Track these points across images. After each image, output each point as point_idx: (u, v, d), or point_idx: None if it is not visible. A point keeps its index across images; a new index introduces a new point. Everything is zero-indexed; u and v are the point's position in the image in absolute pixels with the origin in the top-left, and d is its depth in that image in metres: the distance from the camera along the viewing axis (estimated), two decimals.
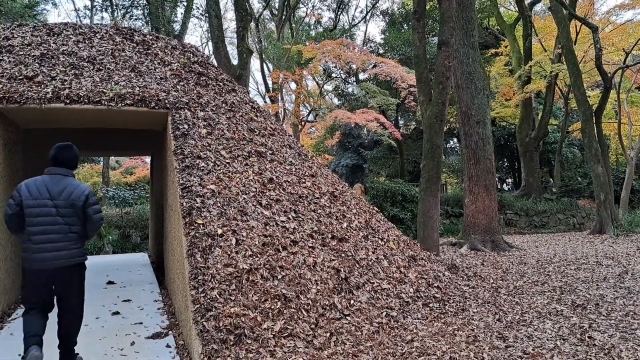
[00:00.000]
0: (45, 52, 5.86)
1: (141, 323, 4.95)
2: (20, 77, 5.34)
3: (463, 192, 12.23)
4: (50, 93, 5.15)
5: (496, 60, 21.53)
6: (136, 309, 5.50)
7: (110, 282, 6.97)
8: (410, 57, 20.27)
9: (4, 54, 5.72)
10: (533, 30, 19.61)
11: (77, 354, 3.83)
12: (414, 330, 4.40)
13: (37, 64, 5.64)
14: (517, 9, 20.40)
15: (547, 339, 4.19)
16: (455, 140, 27.11)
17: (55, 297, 3.60)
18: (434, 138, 8.38)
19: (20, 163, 6.07)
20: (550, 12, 16.80)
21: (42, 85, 5.27)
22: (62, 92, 5.21)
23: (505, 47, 20.80)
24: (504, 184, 29.77)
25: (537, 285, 6.52)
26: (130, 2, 21.24)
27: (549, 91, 18.98)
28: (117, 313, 5.32)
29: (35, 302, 3.50)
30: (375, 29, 50.28)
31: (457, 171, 25.96)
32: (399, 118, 25.11)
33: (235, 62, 14.57)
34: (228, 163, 5.46)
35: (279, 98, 23.24)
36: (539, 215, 17.30)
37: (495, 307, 5.28)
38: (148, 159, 19.75)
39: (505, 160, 26.86)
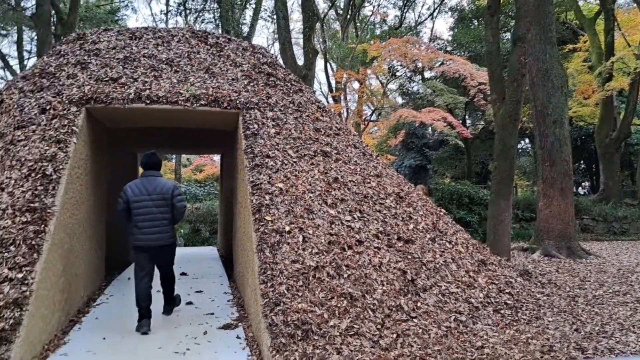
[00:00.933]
0: (128, 55, 6.26)
1: (213, 314, 5.18)
2: (106, 79, 5.74)
3: (536, 196, 11.74)
4: (133, 94, 5.50)
5: (574, 57, 20.42)
6: (207, 300, 5.76)
7: (183, 274, 7.32)
8: (480, 54, 19.67)
9: (92, 57, 6.17)
10: (615, 24, 18.43)
11: (177, 295, 5.38)
12: (484, 337, 4.30)
13: (120, 67, 6.04)
14: (597, 2, 19.26)
15: (631, 353, 3.97)
16: (526, 140, 25.99)
17: (156, 266, 4.93)
18: (507, 138, 8.12)
19: (105, 160, 6.52)
20: (635, 5, 15.73)
21: (125, 87, 5.64)
22: (143, 93, 5.55)
23: (585, 42, 19.68)
24: (580, 188, 28.18)
25: (618, 296, 6.16)
26: (202, 6, 22.13)
27: (632, 89, 17.76)
28: (190, 303, 5.60)
29: (142, 269, 4.77)
30: (443, 25, 49.18)
31: (529, 173, 24.90)
32: (467, 117, 24.44)
33: (300, 62, 14.81)
34: (295, 162, 5.58)
35: (342, 98, 23.33)
36: (618, 222, 16.25)
37: (573, 317, 5.06)
38: (216, 157, 20.49)
39: (582, 162, 25.44)
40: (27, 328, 3.44)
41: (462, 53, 22.04)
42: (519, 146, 26.45)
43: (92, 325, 4.72)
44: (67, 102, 5.32)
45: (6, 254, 3.81)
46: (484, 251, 6.33)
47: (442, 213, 6.58)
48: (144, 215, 4.70)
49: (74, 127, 5.07)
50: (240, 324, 4.82)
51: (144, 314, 4.63)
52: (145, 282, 4.73)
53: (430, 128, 22.18)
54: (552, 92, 10.83)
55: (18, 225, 4.05)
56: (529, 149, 25.89)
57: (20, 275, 3.68)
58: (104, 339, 4.31)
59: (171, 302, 5.23)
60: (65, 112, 5.20)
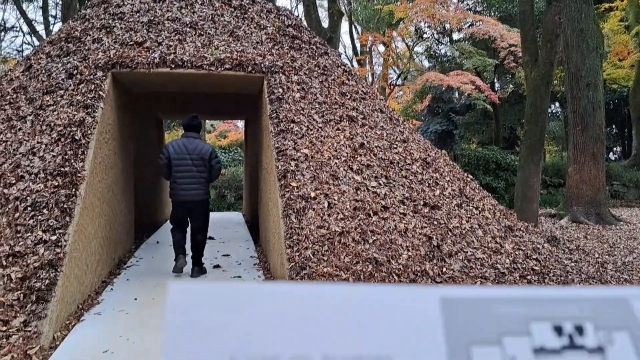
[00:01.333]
0: (152, 18, 6.20)
1: (240, 277, 5.28)
2: (131, 43, 5.72)
3: (566, 161, 11.45)
4: (158, 58, 5.48)
5: (610, 16, 19.48)
6: (234, 264, 5.86)
7: (210, 238, 7.45)
8: (512, 15, 18.93)
9: (116, 21, 6.14)
10: None
11: (204, 264, 5.46)
12: None
13: (145, 30, 5.99)
14: None
15: None
16: (556, 104, 25.21)
17: (189, 220, 5.36)
18: (539, 102, 7.87)
19: (132, 126, 6.58)
20: None
21: (150, 51, 5.62)
22: (167, 57, 5.52)
23: (622, 0, 18.71)
24: (611, 153, 27.40)
25: None
26: None
27: None
28: (217, 266, 5.71)
29: (178, 221, 5.32)
30: None
31: (558, 138, 24.30)
32: (496, 81, 23.77)
33: (325, 25, 14.49)
34: (320, 127, 5.52)
35: (367, 61, 22.89)
36: None
37: (601, 283, 4.98)
38: (240, 124, 20.50)
39: (614, 126, 24.63)
40: (62, 288, 3.56)
41: (493, 13, 21.25)
42: (549, 110, 25.71)
43: (124, 286, 4.87)
44: (93, 66, 5.33)
45: (40, 217, 3.91)
46: (511, 217, 6.24)
47: (469, 179, 6.48)
48: (183, 172, 5.14)
49: (100, 92, 5.09)
50: None
51: (180, 253, 5.25)
52: (181, 233, 5.30)
53: (457, 92, 21.65)
54: (586, 54, 10.38)
55: (50, 189, 4.14)
56: (559, 113, 25.15)
57: (54, 238, 3.78)
58: (135, 299, 4.44)
59: (200, 265, 5.39)
60: (91, 77, 5.22)
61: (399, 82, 24.44)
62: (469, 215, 5.48)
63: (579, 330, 0.44)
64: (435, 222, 5.04)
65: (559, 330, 0.44)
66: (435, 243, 4.77)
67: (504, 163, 11.87)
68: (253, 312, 0.41)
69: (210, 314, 0.41)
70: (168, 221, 9.47)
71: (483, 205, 5.89)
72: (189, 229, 5.43)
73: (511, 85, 22.92)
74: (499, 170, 11.90)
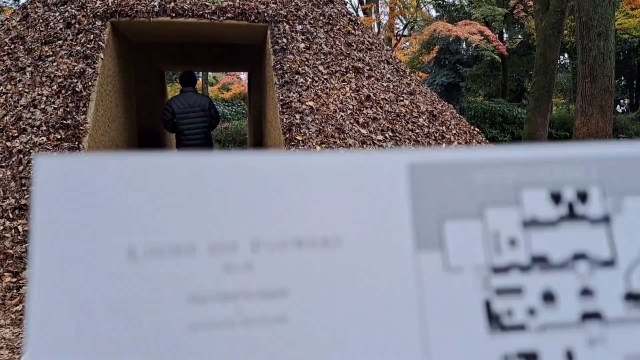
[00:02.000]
0: None
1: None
2: None
3: (573, 114, 11.27)
4: (157, 6, 5.28)
5: None
6: None
7: None
8: None
9: None
10: None
11: None
12: None
13: None
14: None
15: None
16: (565, 55, 24.63)
17: None
18: (548, 52, 7.64)
19: (133, 77, 6.44)
20: None
21: None
22: (168, 6, 5.32)
23: None
24: (618, 105, 27.00)
25: None
26: None
27: None
28: None
29: None
30: None
31: (565, 90, 23.88)
32: (505, 31, 23.11)
33: None
34: (326, 79, 5.39)
35: (373, 10, 22.21)
36: None
37: None
38: (243, 76, 20.15)
39: (622, 78, 24.13)
40: None
41: None
42: (557, 62, 25.14)
43: None
44: (91, 15, 5.16)
45: None
46: None
47: (475, 132, 6.38)
48: (189, 125, 5.58)
49: (100, 43, 4.95)
50: None
51: None
52: None
53: (464, 44, 21.12)
54: (599, 2, 9.99)
55: (53, 142, 4.09)
56: (568, 64, 24.60)
57: None
58: None
59: None
60: (90, 26, 5.06)
61: (406, 32, 23.83)
62: None
63: (582, 197, 0.37)
64: None
65: (556, 197, 0.36)
66: None
67: (511, 116, 11.71)
68: (158, 190, 0.32)
69: (97, 194, 0.31)
70: None
71: None
72: None
73: (520, 36, 22.32)
74: (505, 124, 11.76)
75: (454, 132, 5.82)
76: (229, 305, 0.31)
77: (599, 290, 0.35)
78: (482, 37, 16.60)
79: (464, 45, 21.97)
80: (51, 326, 0.29)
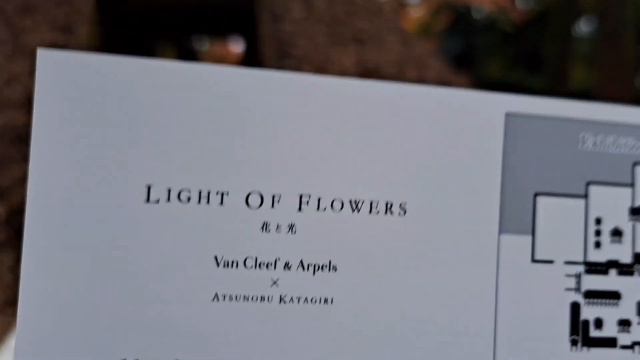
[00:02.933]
0: None
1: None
2: None
3: (593, 82, 11.09)
4: None
5: None
6: None
7: None
8: None
9: None
10: None
11: None
12: None
13: None
14: None
15: None
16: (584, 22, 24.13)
17: None
18: (565, 19, 7.43)
19: (121, 48, 6.33)
20: None
21: None
22: None
23: None
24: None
25: None
26: None
27: None
28: None
29: None
30: None
31: (584, 58, 23.49)
32: None
33: None
34: (325, 50, 5.27)
35: None
36: None
37: None
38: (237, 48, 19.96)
39: None
40: None
41: None
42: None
43: None
44: None
45: (26, 150, 3.83)
46: None
47: None
48: None
49: (82, 13, 4.84)
50: None
51: None
52: None
53: (476, 11, 20.70)
54: None
55: None
56: (587, 32, 24.15)
57: None
58: None
59: None
60: None
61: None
62: None
63: None
64: None
65: None
66: None
67: (528, 85, 11.54)
68: (193, 112, 0.27)
69: (111, 105, 0.27)
70: None
71: None
72: None
73: (534, 5, 21.87)
74: (522, 94, 11.63)
75: None
76: (264, 274, 0.27)
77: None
78: (493, 3, 16.26)
79: (477, 13, 21.57)
80: (46, 280, 0.25)
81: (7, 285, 3.07)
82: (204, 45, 22.51)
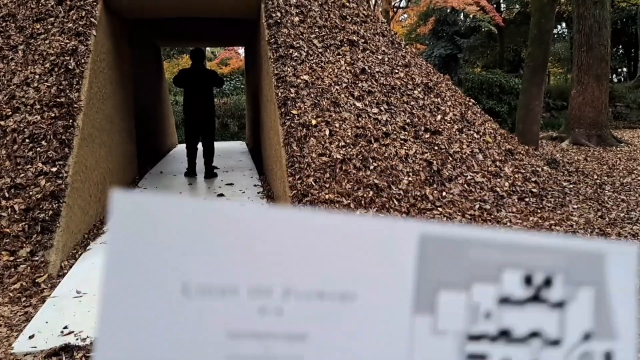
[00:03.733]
0: None
1: (243, 205, 5.25)
2: None
3: (570, 83, 11.10)
4: None
5: None
6: (238, 192, 5.84)
7: (214, 167, 7.39)
8: None
9: None
10: None
11: (216, 167, 6.92)
12: (508, 224, 4.26)
13: None
14: None
15: None
16: (563, 25, 24.12)
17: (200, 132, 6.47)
18: (543, 21, 7.45)
19: (128, 54, 6.30)
20: None
21: None
22: None
23: None
24: (615, 74, 26.59)
25: None
26: None
27: None
28: (221, 195, 5.69)
29: (191, 136, 6.48)
30: None
31: (563, 60, 23.49)
32: (502, 1, 22.60)
33: None
34: (320, 53, 5.27)
35: None
36: None
37: (598, 204, 4.94)
38: (241, 50, 19.84)
39: (620, 47, 23.70)
40: (65, 218, 3.53)
41: None
42: (555, 31, 24.65)
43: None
44: None
45: (39, 149, 3.82)
46: (512, 141, 6.10)
47: (470, 103, 6.27)
48: (196, 93, 6.29)
49: (92, 19, 4.81)
50: None
51: (192, 166, 6.56)
52: (194, 143, 6.50)
53: (462, 15, 20.70)
54: None
55: (47, 121, 4.01)
56: (565, 34, 24.14)
57: (54, 169, 3.71)
58: None
59: (210, 169, 6.58)
60: (82, 2, 4.91)
61: (402, 4, 23.31)
62: (469, 140, 5.35)
63: (548, 282, 0.43)
64: (436, 147, 4.93)
65: (528, 280, 0.42)
66: (436, 168, 4.68)
67: (508, 86, 11.52)
68: (209, 235, 0.36)
69: (161, 232, 0.36)
70: (171, 151, 9.41)
71: (484, 129, 5.74)
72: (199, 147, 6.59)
73: (517, 6, 21.83)
74: (503, 94, 11.57)
75: (449, 103, 5.71)
76: (260, 344, 0.36)
77: None
78: (479, 8, 16.25)
79: (462, 17, 21.55)
80: (115, 348, 0.34)
81: (23, 275, 3.08)
82: (211, 48, 22.31)
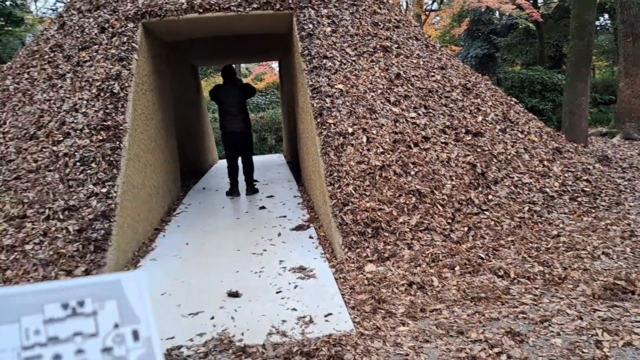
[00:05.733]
0: None
1: (285, 216, 5.32)
2: None
3: (617, 76, 10.68)
4: (185, 3, 5.31)
5: None
6: (279, 204, 5.91)
7: (255, 181, 7.52)
8: None
9: None
10: None
11: (256, 180, 7.13)
12: (560, 225, 4.12)
13: None
14: None
15: None
16: (606, 16, 23.25)
17: (240, 151, 6.61)
18: (584, 13, 7.22)
19: (167, 75, 6.54)
20: None
21: None
22: (195, 2, 5.34)
23: None
24: None
25: None
26: None
27: None
28: (263, 207, 5.78)
29: (231, 153, 6.61)
30: None
31: (608, 52, 22.62)
32: None
33: None
34: (354, 61, 5.29)
35: None
36: None
37: None
38: (275, 65, 20.16)
39: None
40: (117, 237, 3.68)
41: None
42: (598, 23, 23.78)
43: (175, 233, 5.01)
44: (123, 18, 5.24)
45: (89, 171, 4.00)
46: (559, 139, 5.92)
47: (512, 102, 6.13)
48: (229, 109, 6.46)
49: (133, 44, 5.03)
50: (311, 224, 4.92)
51: (234, 185, 6.64)
52: (234, 161, 6.60)
53: (497, 13, 20.31)
54: None
55: (96, 144, 4.21)
56: (608, 25, 23.25)
57: (104, 190, 3.87)
58: (187, 244, 4.57)
59: (251, 185, 6.70)
60: (123, 29, 5.15)
61: (434, 7, 23.13)
62: (514, 140, 5.23)
63: (81, 303, 0.69)
64: (479, 149, 4.84)
65: (65, 306, 0.68)
66: (480, 170, 4.60)
67: (550, 83, 11.18)
68: None
69: None
70: (212, 168, 9.63)
71: (529, 128, 5.59)
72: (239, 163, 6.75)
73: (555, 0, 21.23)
74: (545, 91, 11.23)
75: (489, 104, 5.61)
76: None
77: (87, 350, 0.68)
78: (515, 6, 15.91)
79: (497, 15, 21.14)
80: None
81: None
82: (245, 64, 22.76)
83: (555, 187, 4.76)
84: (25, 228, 3.66)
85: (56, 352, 0.66)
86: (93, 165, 4.05)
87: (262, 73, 22.06)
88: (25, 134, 4.42)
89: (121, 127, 4.37)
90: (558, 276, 3.20)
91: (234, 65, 7.43)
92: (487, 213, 4.19)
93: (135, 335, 0.69)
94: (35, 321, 0.66)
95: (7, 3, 11.96)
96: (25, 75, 5.06)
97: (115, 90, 4.61)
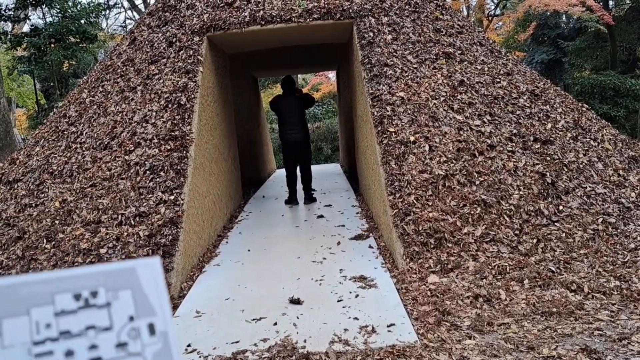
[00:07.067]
0: None
1: (343, 225, 5.34)
2: (222, 5, 5.78)
3: None
4: (248, 16, 5.50)
5: None
6: (337, 213, 5.94)
7: (312, 190, 7.60)
8: None
9: None
10: None
11: (314, 190, 7.25)
12: (638, 238, 3.88)
13: None
14: None
15: None
16: None
17: (298, 161, 6.77)
18: None
19: (230, 86, 6.77)
20: None
21: (240, 10, 5.65)
22: (257, 14, 5.52)
23: None
24: None
25: None
26: None
27: None
28: (321, 216, 5.83)
29: (290, 163, 6.75)
30: None
31: None
32: None
33: None
34: (415, 68, 5.26)
35: None
36: None
37: None
38: (331, 75, 20.34)
39: None
40: (183, 243, 3.83)
41: None
42: None
43: (237, 239, 5.15)
44: (189, 32, 5.50)
45: (158, 179, 4.21)
46: (635, 147, 5.58)
47: (584, 109, 5.86)
48: (289, 119, 6.61)
49: (199, 57, 5.25)
50: (370, 234, 4.90)
51: (293, 194, 6.78)
52: (293, 170, 6.78)
53: (564, 16, 19.50)
54: None
55: (164, 153, 4.42)
56: None
57: (172, 197, 4.06)
58: (249, 250, 4.68)
59: (310, 194, 6.83)
60: (189, 42, 5.39)
61: (497, 12, 22.57)
62: (586, 148, 4.99)
63: (94, 294, 0.63)
64: (548, 158, 4.66)
65: (77, 296, 0.62)
66: (550, 180, 4.42)
67: (623, 89, 10.61)
68: None
69: None
70: (271, 176, 9.83)
71: (602, 136, 5.32)
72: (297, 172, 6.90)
73: (628, 1, 20.12)
74: (618, 97, 10.68)
75: (559, 110, 5.39)
76: None
77: (100, 345, 0.61)
78: (584, 9, 15.21)
79: (564, 18, 20.29)
80: None
81: None
82: (302, 75, 23.17)
83: (632, 197, 4.50)
84: (100, 233, 3.89)
85: (68, 347, 0.60)
86: (162, 173, 4.26)
87: (319, 83, 22.31)
88: (99, 144, 4.72)
89: (188, 137, 4.57)
90: (637, 292, 3.01)
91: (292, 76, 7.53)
92: (557, 224, 4.02)
93: (152, 329, 0.64)
94: (46, 313, 0.60)
95: (82, 21, 12.83)
96: (100, 89, 5.41)
97: (182, 102, 4.83)
